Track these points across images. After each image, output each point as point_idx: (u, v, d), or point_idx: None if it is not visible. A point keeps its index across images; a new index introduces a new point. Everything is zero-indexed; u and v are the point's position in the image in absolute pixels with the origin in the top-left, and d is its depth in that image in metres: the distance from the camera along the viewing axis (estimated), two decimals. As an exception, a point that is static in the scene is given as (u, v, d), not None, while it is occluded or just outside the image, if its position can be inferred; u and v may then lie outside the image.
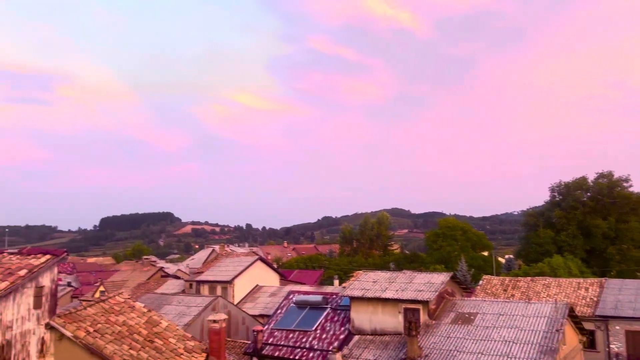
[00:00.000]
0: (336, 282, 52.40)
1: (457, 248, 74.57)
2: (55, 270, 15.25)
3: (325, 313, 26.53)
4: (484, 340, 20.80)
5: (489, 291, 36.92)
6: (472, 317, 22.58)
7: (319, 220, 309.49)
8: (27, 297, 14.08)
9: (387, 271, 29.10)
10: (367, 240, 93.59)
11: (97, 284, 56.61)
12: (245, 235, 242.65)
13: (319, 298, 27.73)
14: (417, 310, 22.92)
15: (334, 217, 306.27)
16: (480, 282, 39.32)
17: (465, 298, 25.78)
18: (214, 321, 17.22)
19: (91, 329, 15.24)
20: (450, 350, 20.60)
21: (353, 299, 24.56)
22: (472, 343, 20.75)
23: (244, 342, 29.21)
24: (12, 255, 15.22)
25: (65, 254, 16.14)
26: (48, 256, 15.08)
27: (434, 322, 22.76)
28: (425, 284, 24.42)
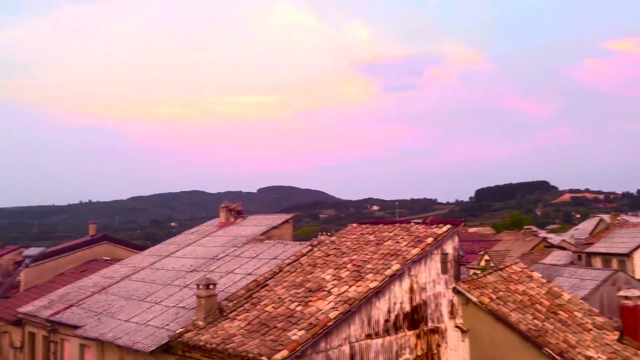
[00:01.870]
0: None
1: None
2: (456, 238, 16.27)
3: None
4: None
5: None
6: None
7: None
8: (435, 263, 15.46)
9: None
10: None
11: (481, 253, 58.84)
12: (637, 202, 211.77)
13: None
14: None
15: None
16: None
17: None
18: (627, 297, 15.35)
19: (493, 296, 15.69)
20: None
21: None
22: None
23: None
24: (418, 225, 16.96)
25: (463, 223, 17.09)
26: (448, 225, 16.19)
27: None
28: None
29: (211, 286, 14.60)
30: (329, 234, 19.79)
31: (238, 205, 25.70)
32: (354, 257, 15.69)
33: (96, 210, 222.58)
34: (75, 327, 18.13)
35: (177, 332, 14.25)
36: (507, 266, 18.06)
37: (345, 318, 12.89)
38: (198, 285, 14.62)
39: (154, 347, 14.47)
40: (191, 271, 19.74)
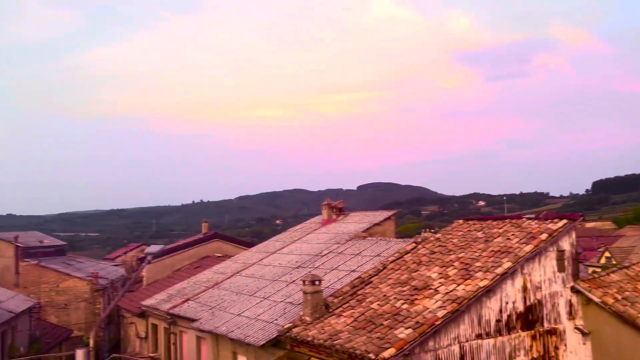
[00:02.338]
0: None
1: None
2: (574, 234, 15.13)
3: None
4: None
5: None
6: None
7: None
8: (550, 260, 14.48)
9: None
10: None
11: (601, 250, 54.56)
12: None
13: None
14: None
15: None
16: None
17: None
18: None
19: (619, 296, 14.38)
20: None
21: None
22: None
23: None
24: (530, 221, 15.99)
25: (581, 218, 15.88)
26: (565, 221, 15.09)
27: None
28: None
29: (317, 282, 14.81)
30: (432, 230, 19.33)
31: (339, 202, 25.92)
32: (461, 254, 15.14)
33: (207, 209, 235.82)
34: (192, 320, 19.28)
35: (286, 327, 14.63)
36: (634, 264, 16.50)
37: (454, 317, 12.47)
38: (304, 281, 14.90)
39: (264, 342, 14.99)
40: (297, 267, 20.19)
